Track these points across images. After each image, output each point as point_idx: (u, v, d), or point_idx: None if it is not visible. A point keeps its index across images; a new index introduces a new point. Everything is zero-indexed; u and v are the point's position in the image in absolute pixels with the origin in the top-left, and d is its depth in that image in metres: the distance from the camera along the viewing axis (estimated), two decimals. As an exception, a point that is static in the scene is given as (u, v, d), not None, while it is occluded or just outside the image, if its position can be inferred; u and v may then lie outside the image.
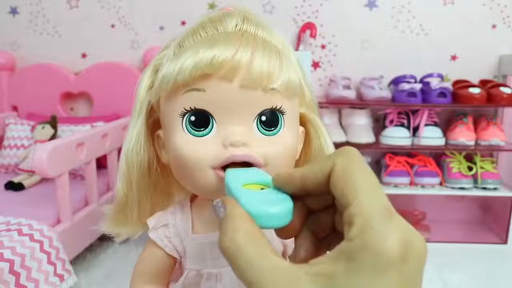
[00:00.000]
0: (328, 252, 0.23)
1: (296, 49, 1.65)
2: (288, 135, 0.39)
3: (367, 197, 0.21)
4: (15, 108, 1.82)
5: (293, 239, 0.28)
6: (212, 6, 1.72)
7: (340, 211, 0.23)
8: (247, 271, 0.21)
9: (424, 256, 0.20)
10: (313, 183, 0.25)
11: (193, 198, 0.45)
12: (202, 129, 0.37)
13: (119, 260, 1.41)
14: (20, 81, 1.79)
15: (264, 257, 0.22)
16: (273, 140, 0.38)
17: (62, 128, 1.60)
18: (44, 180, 1.45)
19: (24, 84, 1.78)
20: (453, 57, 1.69)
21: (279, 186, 0.28)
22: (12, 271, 0.92)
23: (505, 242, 1.55)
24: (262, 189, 0.30)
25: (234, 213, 0.25)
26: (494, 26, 1.65)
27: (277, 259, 0.22)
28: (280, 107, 0.37)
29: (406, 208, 1.69)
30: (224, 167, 0.36)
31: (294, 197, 0.27)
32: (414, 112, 1.59)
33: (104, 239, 1.49)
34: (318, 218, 0.27)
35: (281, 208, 0.26)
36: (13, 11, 1.83)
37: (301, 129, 0.43)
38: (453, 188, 1.53)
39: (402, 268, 0.19)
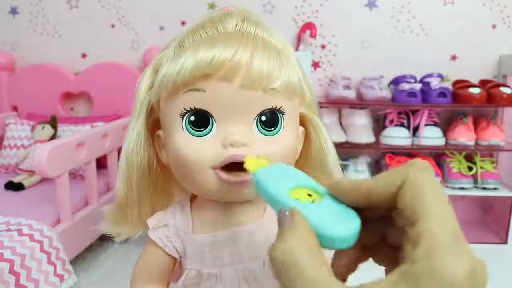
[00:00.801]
0: (383, 276, 0.21)
1: (296, 49, 1.65)
2: (288, 135, 0.39)
3: (438, 217, 0.20)
4: (15, 108, 1.82)
5: None
6: (212, 6, 1.72)
7: (400, 224, 0.22)
8: (300, 284, 0.20)
9: (485, 286, 0.19)
10: (380, 195, 0.23)
11: (193, 198, 0.45)
12: (202, 129, 0.37)
13: (119, 260, 1.41)
14: (20, 81, 1.79)
15: (322, 276, 0.20)
16: (273, 140, 0.38)
17: (62, 128, 1.60)
18: (44, 180, 1.45)
19: (24, 84, 1.78)
20: (453, 57, 1.69)
21: (338, 195, 0.25)
22: (12, 271, 0.92)
23: (505, 242, 1.55)
24: (309, 195, 0.26)
25: (298, 224, 0.23)
26: (494, 26, 1.65)
27: (334, 280, 0.21)
28: (280, 107, 0.37)
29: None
30: (224, 167, 0.36)
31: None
32: (414, 112, 1.59)
33: (104, 239, 1.49)
34: (367, 228, 0.26)
35: (352, 229, 0.23)
36: (13, 11, 1.83)
37: (301, 129, 0.43)
38: (453, 188, 1.53)
39: None
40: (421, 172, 0.22)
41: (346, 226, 0.23)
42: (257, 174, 0.29)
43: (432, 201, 0.21)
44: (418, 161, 0.23)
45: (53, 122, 1.58)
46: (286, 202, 0.25)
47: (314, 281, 0.20)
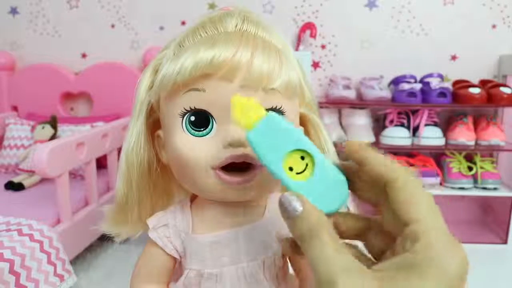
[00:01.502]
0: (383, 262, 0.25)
1: (296, 49, 1.65)
2: (288, 135, 0.38)
3: (431, 218, 0.24)
4: (15, 108, 1.82)
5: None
6: (212, 6, 1.72)
7: (387, 220, 0.26)
8: (324, 266, 0.24)
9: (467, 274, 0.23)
10: (370, 170, 0.27)
11: (193, 198, 0.45)
12: (202, 129, 0.37)
13: (119, 260, 1.41)
14: (20, 81, 1.79)
15: (344, 256, 0.24)
16: (273, 140, 0.37)
17: (62, 128, 1.60)
18: (44, 180, 1.45)
19: (24, 84, 1.78)
20: (453, 57, 1.69)
21: (348, 156, 0.29)
22: (12, 271, 0.92)
23: (505, 242, 1.55)
24: (302, 157, 0.29)
25: (319, 216, 0.26)
26: (494, 26, 1.65)
27: (356, 261, 0.24)
28: (280, 107, 0.37)
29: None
30: (224, 167, 0.36)
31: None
32: (414, 112, 1.59)
33: (104, 239, 1.49)
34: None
35: (336, 205, 0.28)
36: (13, 11, 1.83)
37: (301, 129, 0.43)
38: (453, 188, 1.53)
39: (460, 286, 0.22)
40: (409, 174, 0.26)
41: (331, 205, 0.28)
42: (250, 135, 0.30)
43: (424, 205, 0.24)
44: (405, 167, 0.27)
45: (53, 122, 1.58)
46: (278, 172, 0.28)
47: (337, 262, 0.23)
